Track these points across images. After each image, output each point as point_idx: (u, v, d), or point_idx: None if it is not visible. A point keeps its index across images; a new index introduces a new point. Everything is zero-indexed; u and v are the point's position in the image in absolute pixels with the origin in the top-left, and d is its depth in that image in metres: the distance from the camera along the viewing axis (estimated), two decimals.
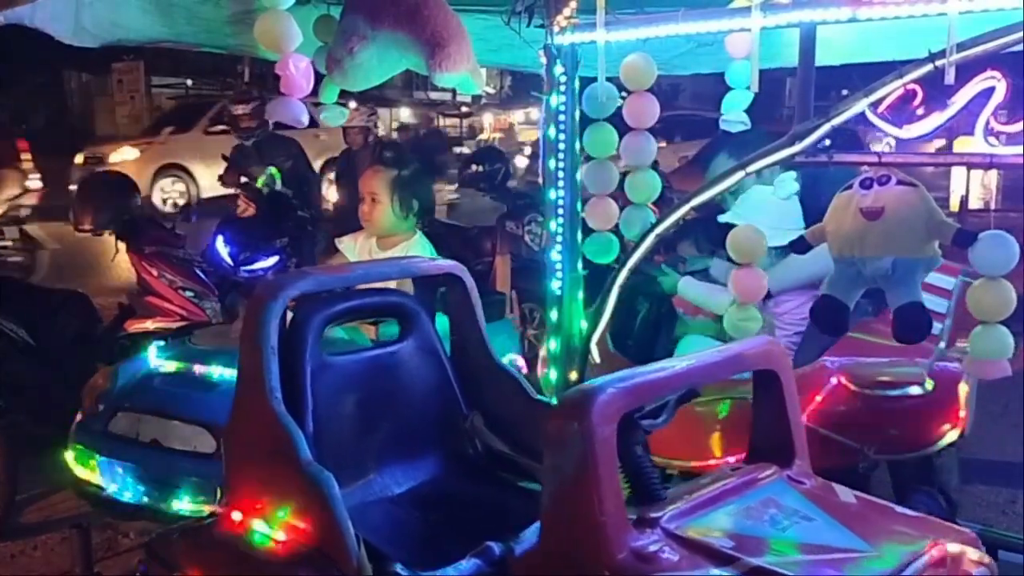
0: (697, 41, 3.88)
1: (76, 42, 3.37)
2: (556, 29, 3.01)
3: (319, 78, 3.27)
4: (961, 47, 2.29)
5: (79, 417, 3.52)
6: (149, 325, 5.45)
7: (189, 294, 5.63)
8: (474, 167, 8.20)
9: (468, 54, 3.18)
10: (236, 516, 2.21)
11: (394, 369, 2.49)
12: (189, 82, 20.97)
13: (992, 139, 2.33)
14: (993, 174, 16.22)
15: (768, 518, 1.84)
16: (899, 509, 2.00)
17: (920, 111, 2.31)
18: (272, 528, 2.12)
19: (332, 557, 1.99)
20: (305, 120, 3.06)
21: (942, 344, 3.06)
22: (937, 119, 2.34)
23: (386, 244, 3.69)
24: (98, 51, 4.29)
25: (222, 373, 3.29)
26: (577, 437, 1.68)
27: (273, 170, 6.43)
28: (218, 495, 2.95)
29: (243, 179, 6.48)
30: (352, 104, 7.59)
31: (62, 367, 4.89)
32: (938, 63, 2.31)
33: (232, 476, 2.29)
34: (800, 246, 2.70)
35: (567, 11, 2.98)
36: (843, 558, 1.72)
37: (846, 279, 2.60)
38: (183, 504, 3.11)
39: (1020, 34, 2.26)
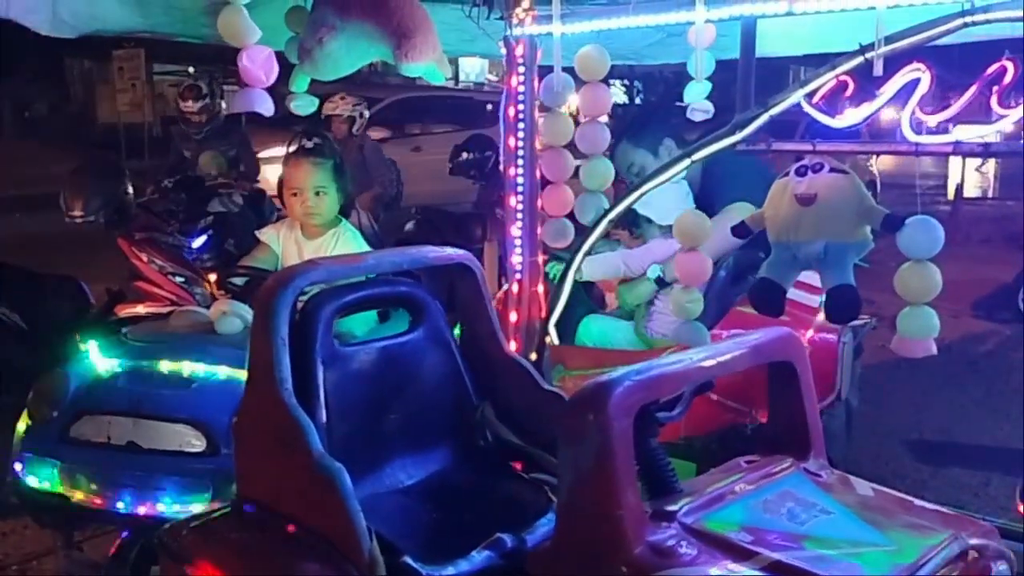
0: (666, 31, 3.97)
1: (53, 33, 3.42)
2: (514, 21, 3.09)
3: (291, 68, 3.35)
4: (888, 40, 2.39)
5: (25, 425, 3.26)
6: (140, 310, 5.52)
7: (179, 279, 5.70)
8: (464, 154, 8.26)
9: (434, 44, 3.26)
10: (247, 509, 2.19)
11: (404, 360, 2.45)
12: (191, 69, 21.03)
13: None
14: (991, 163, 16.27)
15: (786, 512, 1.80)
16: (918, 502, 1.96)
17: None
18: (284, 520, 2.10)
19: (344, 550, 1.97)
20: (269, 109, 3.12)
21: (820, 316, 3.16)
22: (867, 108, 2.43)
23: (313, 234, 3.63)
24: (99, 38, 4.34)
25: (194, 369, 3.18)
26: (594, 430, 1.64)
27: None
28: (211, 492, 2.96)
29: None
30: (343, 94, 7.72)
31: (54, 351, 4.97)
32: (867, 55, 2.41)
33: (243, 468, 2.26)
34: (740, 231, 2.78)
35: (525, 3, 3.06)
36: (862, 552, 1.69)
37: (782, 262, 2.69)
38: (167, 506, 2.99)
39: (945, 27, 2.36)
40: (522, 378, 2.50)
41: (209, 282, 5.65)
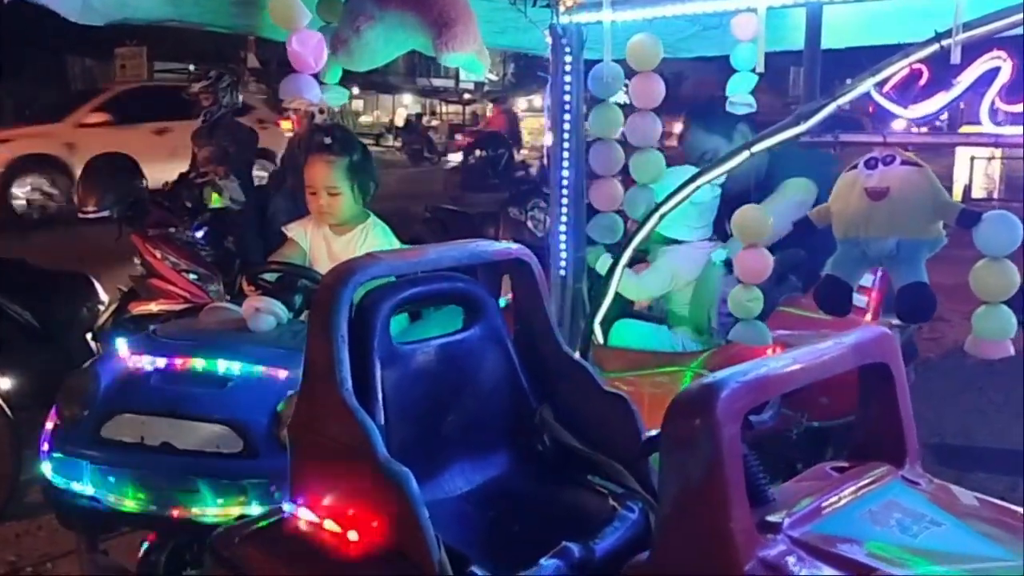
0: (703, 24, 3.89)
1: (83, 20, 3.34)
2: (562, 9, 3.01)
3: None
4: (967, 27, 2.30)
5: (53, 424, 3.15)
6: (153, 307, 5.45)
7: (192, 276, 5.63)
8: (477, 153, 8.21)
9: (475, 34, 3.18)
10: (305, 515, 2.10)
11: (461, 359, 2.37)
12: (192, 67, 20.93)
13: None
14: (997, 164, 16.28)
15: (895, 524, 1.70)
16: None
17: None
18: (345, 528, 2.02)
19: (411, 559, 1.90)
20: (317, 96, 3.03)
21: (868, 316, 3.08)
22: (942, 99, 2.34)
23: (341, 231, 3.55)
24: (101, 35, 4.27)
25: (229, 367, 3.07)
26: (701, 436, 1.54)
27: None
28: (248, 495, 2.86)
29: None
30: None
31: (67, 349, 4.90)
32: (944, 43, 2.32)
33: (299, 473, 2.17)
34: (803, 228, 2.71)
35: None
36: (987, 568, 1.58)
37: (850, 259, 2.60)
38: (202, 509, 2.90)
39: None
40: (581, 379, 2.39)
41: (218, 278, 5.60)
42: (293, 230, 3.67)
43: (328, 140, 3.54)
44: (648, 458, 2.18)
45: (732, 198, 3.53)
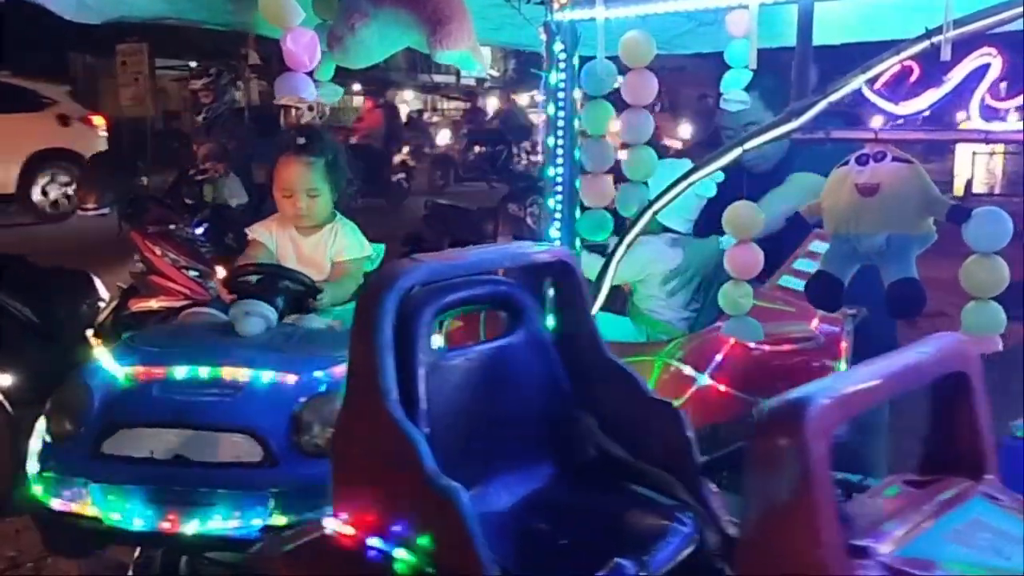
0: (698, 20, 3.89)
1: (79, 18, 3.35)
2: (556, 6, 3.02)
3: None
4: (958, 23, 2.31)
5: (42, 442, 2.97)
6: (153, 304, 5.49)
7: (193, 273, 5.67)
8: (477, 149, 8.22)
9: (469, 31, 3.20)
10: (347, 531, 2.02)
11: (503, 366, 2.28)
12: (193, 64, 20.93)
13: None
14: (998, 159, 16.30)
15: (987, 545, 1.58)
16: None
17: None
18: (391, 545, 1.94)
19: None
20: (312, 95, 3.04)
21: None
22: (933, 95, 2.35)
23: (309, 231, 3.54)
24: (103, 32, 4.29)
25: (236, 374, 2.93)
26: (789, 456, 1.45)
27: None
28: (270, 506, 2.75)
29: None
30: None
31: (67, 346, 4.92)
32: (934, 40, 2.33)
33: (341, 486, 2.09)
34: (797, 222, 2.72)
35: None
36: None
37: (841, 255, 2.60)
38: (219, 523, 2.76)
39: (1017, 10, 2.28)
40: (626, 385, 2.30)
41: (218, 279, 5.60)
42: (257, 231, 3.61)
43: (304, 141, 3.49)
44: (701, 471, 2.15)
45: (754, 176, 3.55)
